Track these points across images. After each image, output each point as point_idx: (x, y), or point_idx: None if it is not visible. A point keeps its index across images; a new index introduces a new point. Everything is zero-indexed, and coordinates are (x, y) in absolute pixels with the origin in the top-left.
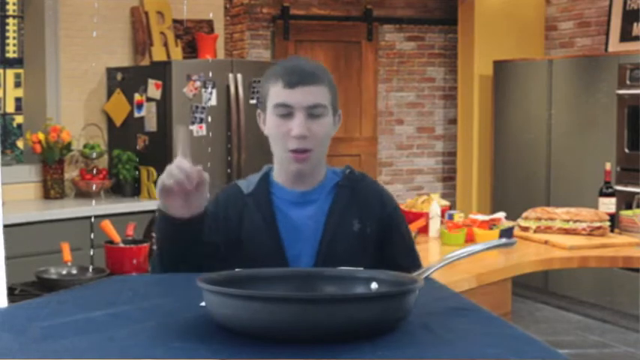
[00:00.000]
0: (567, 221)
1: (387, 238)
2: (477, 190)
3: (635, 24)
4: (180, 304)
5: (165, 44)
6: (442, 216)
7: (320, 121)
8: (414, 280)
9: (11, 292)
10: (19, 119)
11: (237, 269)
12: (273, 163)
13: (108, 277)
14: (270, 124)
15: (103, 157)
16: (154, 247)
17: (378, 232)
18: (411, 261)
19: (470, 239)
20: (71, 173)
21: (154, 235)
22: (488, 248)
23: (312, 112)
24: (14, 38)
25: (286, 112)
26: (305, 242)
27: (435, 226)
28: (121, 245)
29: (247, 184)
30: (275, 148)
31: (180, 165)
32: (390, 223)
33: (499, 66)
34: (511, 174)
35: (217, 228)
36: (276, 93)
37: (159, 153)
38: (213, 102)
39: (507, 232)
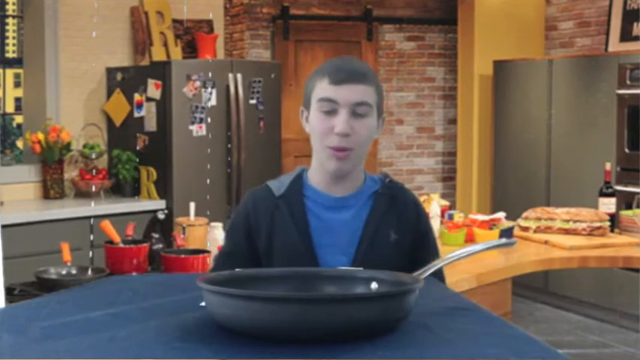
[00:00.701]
0: (567, 221)
1: (419, 250)
2: (477, 190)
3: (635, 24)
4: (180, 304)
5: (165, 44)
6: (442, 216)
7: (364, 121)
8: (414, 280)
9: (10, 292)
10: (18, 119)
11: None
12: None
13: (108, 277)
14: (313, 120)
15: (102, 157)
16: (154, 247)
17: (412, 243)
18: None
19: (470, 239)
20: (71, 173)
21: (153, 235)
22: (488, 248)
23: (357, 111)
24: (14, 38)
25: (330, 108)
26: (339, 248)
27: (434, 226)
28: (121, 245)
29: (279, 185)
30: (315, 146)
31: None
32: (423, 235)
33: (499, 66)
34: (511, 174)
35: (248, 232)
36: (322, 88)
37: (159, 153)
38: (213, 102)
39: (507, 232)
